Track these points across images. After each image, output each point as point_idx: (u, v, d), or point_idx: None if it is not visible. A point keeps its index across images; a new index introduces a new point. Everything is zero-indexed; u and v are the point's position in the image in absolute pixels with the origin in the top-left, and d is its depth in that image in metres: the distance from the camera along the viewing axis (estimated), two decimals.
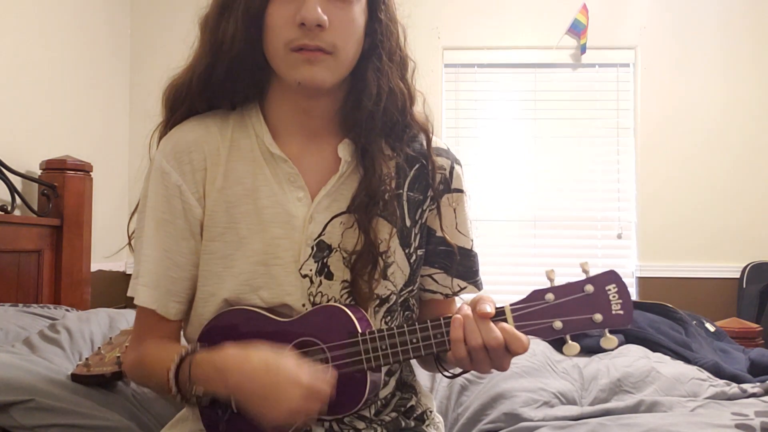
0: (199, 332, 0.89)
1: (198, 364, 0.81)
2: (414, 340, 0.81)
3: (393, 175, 0.91)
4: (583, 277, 0.79)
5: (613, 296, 0.77)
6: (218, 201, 0.90)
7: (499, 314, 0.79)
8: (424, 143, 0.96)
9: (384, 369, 0.93)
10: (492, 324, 0.77)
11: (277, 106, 0.92)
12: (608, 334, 0.77)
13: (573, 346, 0.78)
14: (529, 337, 0.79)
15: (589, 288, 0.77)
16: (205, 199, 0.90)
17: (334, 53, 0.84)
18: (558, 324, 0.77)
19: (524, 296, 0.80)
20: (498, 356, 0.78)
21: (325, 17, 0.81)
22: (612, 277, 0.78)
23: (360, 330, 0.82)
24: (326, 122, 0.92)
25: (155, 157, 0.92)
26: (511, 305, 0.79)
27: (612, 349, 1.23)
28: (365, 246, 0.88)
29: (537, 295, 0.79)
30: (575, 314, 0.77)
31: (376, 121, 0.89)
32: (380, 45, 0.89)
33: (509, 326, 0.78)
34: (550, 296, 0.78)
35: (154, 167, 0.92)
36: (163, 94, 0.95)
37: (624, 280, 0.79)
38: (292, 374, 0.75)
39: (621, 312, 0.77)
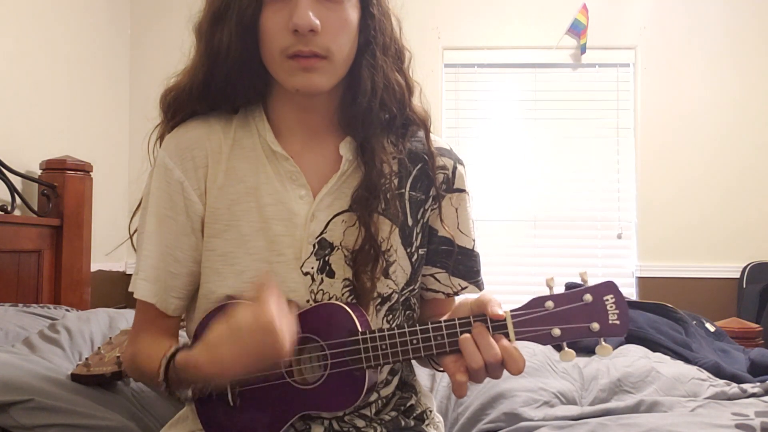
0: None
1: (183, 363, 0.82)
2: (414, 341, 0.81)
3: (395, 172, 0.92)
4: (581, 285, 0.80)
5: (611, 306, 0.78)
6: (219, 198, 0.90)
7: (499, 320, 0.79)
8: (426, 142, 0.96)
9: (386, 368, 0.93)
10: (492, 341, 0.78)
11: (278, 105, 0.93)
12: (604, 343, 0.79)
13: (569, 353, 0.79)
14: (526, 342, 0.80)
15: (588, 297, 0.79)
16: (206, 196, 0.91)
17: (329, 57, 0.84)
18: (556, 331, 0.78)
19: (524, 302, 0.81)
20: (493, 369, 0.79)
21: (318, 21, 0.81)
22: (610, 287, 0.79)
23: (360, 329, 0.83)
24: (326, 120, 0.93)
25: (159, 154, 0.93)
26: (511, 311, 0.80)
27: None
28: (365, 241, 0.88)
29: (537, 302, 0.80)
30: (573, 322, 0.79)
31: (373, 116, 0.89)
32: (374, 41, 0.89)
33: (509, 345, 0.78)
34: (549, 304, 0.79)
35: (157, 164, 0.92)
36: (161, 99, 0.95)
37: (623, 280, 0.79)
38: (250, 327, 0.73)
39: (617, 322, 0.78)
